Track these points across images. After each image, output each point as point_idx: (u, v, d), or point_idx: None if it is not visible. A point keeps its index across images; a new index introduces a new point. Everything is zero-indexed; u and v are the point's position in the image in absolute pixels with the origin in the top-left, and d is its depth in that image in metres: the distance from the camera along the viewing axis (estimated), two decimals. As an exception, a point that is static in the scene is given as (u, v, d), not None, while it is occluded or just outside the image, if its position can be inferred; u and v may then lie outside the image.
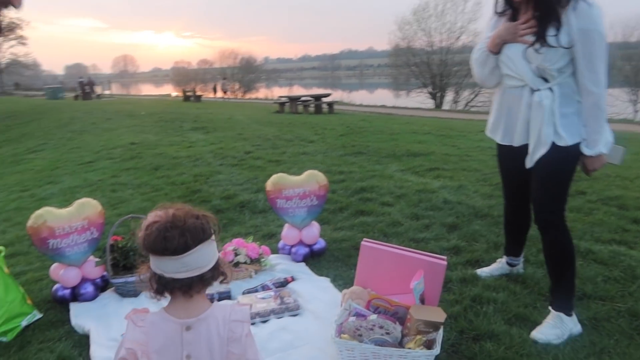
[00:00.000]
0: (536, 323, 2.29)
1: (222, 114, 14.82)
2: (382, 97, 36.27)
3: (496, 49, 2.22)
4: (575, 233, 3.39)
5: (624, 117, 19.72)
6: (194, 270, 1.26)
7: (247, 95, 46.67)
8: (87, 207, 2.69)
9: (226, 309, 1.36)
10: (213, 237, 1.32)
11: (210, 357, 1.30)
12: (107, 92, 39.90)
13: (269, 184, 3.18)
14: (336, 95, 33.27)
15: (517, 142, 2.27)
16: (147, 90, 71.74)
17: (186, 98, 28.10)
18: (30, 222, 2.57)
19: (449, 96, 30.88)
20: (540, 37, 2.04)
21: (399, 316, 2.03)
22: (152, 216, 1.30)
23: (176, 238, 1.23)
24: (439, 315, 1.97)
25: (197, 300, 1.31)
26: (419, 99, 30.75)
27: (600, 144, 2.08)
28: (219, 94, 33.70)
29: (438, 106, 29.06)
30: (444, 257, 2.19)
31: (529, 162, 2.21)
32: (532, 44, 2.07)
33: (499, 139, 2.38)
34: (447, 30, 29.99)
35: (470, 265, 2.98)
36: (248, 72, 51.08)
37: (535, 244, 3.00)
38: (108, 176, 6.05)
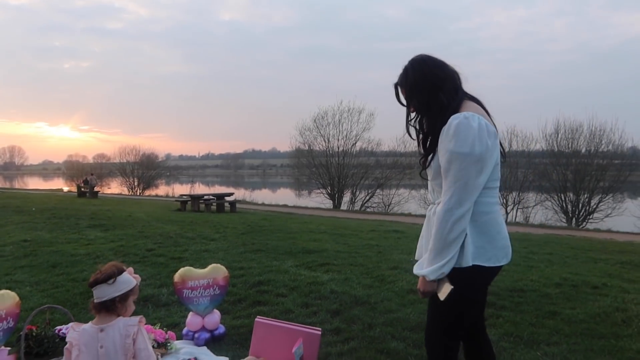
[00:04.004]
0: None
1: (121, 211, 14.69)
2: (284, 197, 37.70)
3: None
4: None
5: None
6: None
7: (147, 192, 45.71)
8: (6, 298, 2.93)
9: (124, 320, 2.19)
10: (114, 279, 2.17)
11: (114, 348, 2.12)
12: (-12, 185, 37.10)
13: (177, 276, 3.62)
14: (239, 193, 34.01)
15: (417, 257, 2.18)
16: (35, 184, 67.43)
17: (80, 193, 27.12)
18: (-52, 313, 2.76)
19: (347, 197, 32.97)
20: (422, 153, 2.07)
21: (284, 378, 2.54)
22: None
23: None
24: (314, 375, 2.51)
25: (108, 315, 2.16)
26: (318, 199, 32.47)
27: (426, 267, 1.94)
28: (86, 190, 27.45)
29: (336, 206, 30.81)
30: (319, 329, 2.78)
31: None
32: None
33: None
34: (344, 137, 32.74)
35: (347, 342, 3.57)
36: (149, 169, 50.42)
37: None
38: (1, 274, 5.94)
